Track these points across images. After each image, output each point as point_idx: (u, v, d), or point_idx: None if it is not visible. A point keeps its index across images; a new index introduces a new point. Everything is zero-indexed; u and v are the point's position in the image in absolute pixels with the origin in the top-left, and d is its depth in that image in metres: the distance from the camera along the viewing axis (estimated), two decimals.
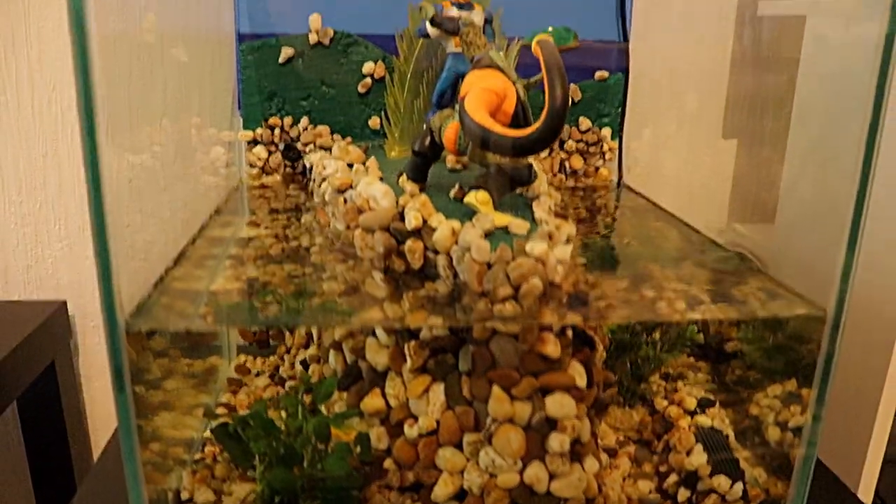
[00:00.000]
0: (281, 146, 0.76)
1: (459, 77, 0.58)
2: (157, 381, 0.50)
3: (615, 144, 0.79)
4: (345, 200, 0.56)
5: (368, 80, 0.74)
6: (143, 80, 0.49)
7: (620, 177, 0.80)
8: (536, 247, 0.43)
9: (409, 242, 0.48)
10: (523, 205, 0.52)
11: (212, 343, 0.71)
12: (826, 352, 0.47)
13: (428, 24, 0.58)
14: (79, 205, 0.87)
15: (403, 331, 0.50)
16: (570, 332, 0.50)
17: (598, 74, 0.77)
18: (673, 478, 0.57)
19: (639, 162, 0.80)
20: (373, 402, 0.52)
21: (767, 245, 0.58)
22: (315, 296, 0.48)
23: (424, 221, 0.47)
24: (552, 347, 0.48)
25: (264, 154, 0.75)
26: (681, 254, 0.60)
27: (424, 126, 0.57)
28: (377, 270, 0.49)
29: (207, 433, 0.58)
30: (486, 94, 0.48)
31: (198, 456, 0.57)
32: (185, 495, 0.53)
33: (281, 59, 0.73)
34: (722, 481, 0.56)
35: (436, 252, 0.47)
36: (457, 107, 0.51)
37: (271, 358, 0.74)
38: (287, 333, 0.73)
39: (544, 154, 0.78)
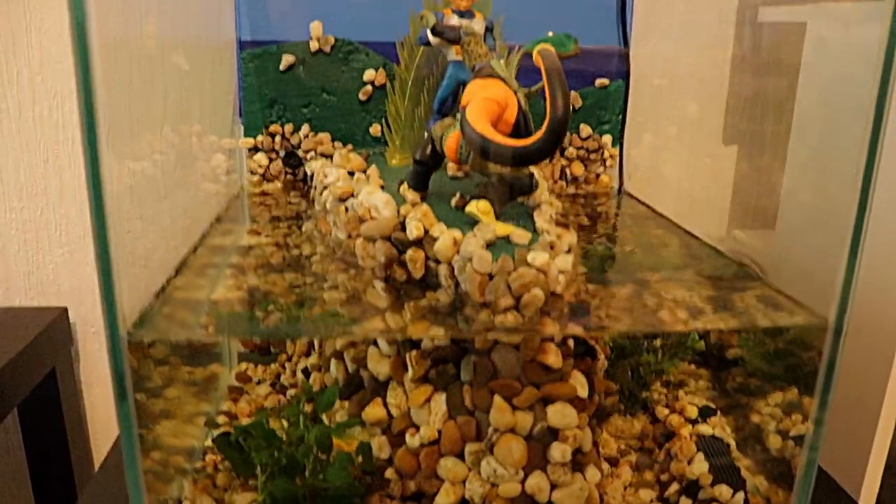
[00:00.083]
0: (282, 153, 0.76)
1: (460, 85, 0.58)
2: (158, 389, 0.50)
3: (616, 151, 0.79)
4: (346, 209, 0.56)
5: (369, 87, 0.74)
6: (143, 87, 0.49)
7: (621, 183, 0.80)
8: (538, 257, 0.43)
9: (410, 252, 0.48)
10: (524, 214, 0.52)
11: (213, 351, 0.70)
12: (828, 359, 0.47)
13: (429, 33, 0.58)
14: (80, 211, 0.86)
15: (405, 340, 0.50)
16: (571, 342, 0.50)
17: (598, 81, 0.77)
18: (674, 487, 0.57)
19: (639, 168, 0.80)
20: (374, 411, 0.52)
21: (768, 251, 0.58)
22: (316, 305, 0.48)
23: (426, 231, 0.47)
24: (554, 357, 0.48)
25: (265, 161, 0.75)
26: (681, 262, 0.60)
27: (425, 134, 0.57)
28: (378, 280, 0.49)
29: (209, 442, 0.58)
30: (487, 104, 0.48)
31: (199, 465, 0.57)
32: None
33: (282, 67, 0.73)
34: (723, 490, 0.55)
35: (437, 262, 0.47)
36: (458, 115, 0.51)
37: (272, 366, 0.74)
38: (288, 342, 0.73)
39: (545, 161, 0.78)
